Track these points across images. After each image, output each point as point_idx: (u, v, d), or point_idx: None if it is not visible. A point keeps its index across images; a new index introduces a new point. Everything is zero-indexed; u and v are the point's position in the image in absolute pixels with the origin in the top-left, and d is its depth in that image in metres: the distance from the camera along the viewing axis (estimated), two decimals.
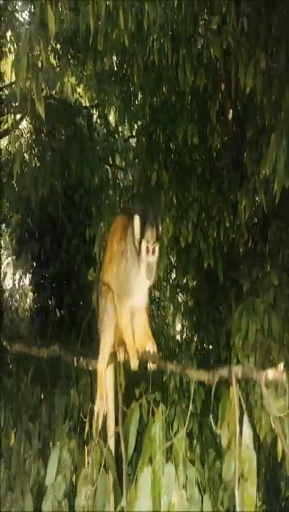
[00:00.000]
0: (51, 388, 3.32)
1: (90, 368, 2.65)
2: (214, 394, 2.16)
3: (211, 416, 2.14)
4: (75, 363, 2.72)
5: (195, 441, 4.28)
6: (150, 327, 2.53)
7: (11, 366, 3.81)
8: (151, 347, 2.45)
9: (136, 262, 2.32)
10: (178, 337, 6.34)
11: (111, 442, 2.44)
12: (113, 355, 2.50)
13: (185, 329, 5.95)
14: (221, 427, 2.15)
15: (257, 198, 4.58)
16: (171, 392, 4.34)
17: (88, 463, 2.30)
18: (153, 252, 2.30)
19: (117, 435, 2.42)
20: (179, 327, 7.34)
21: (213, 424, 2.13)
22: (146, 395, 2.46)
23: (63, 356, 2.86)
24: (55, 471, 2.49)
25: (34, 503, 2.76)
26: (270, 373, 2.05)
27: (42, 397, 3.39)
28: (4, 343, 3.33)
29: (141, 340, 2.46)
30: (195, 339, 5.35)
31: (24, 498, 2.76)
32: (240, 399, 2.07)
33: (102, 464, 2.27)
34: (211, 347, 5.15)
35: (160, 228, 2.34)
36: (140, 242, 2.28)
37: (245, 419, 2.01)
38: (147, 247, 2.28)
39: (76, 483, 2.37)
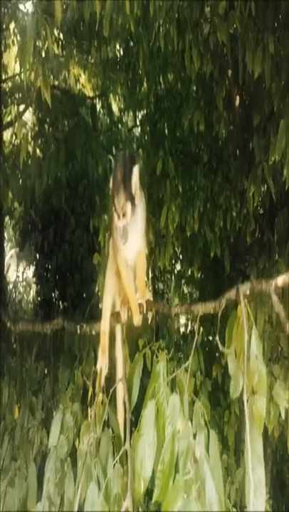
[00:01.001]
0: (54, 362, 3.33)
1: (94, 333, 2.65)
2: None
3: (217, 337, 2.07)
4: (79, 331, 2.73)
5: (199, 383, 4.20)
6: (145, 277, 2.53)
7: (15, 346, 3.77)
8: (148, 296, 2.46)
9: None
10: (182, 330, 6.21)
11: (119, 400, 2.39)
12: (116, 314, 2.49)
13: (189, 322, 5.81)
14: (228, 347, 2.07)
15: (263, 189, 4.46)
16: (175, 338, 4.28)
17: (91, 417, 2.26)
18: (124, 216, 2.24)
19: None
20: (183, 320, 7.22)
21: (220, 344, 2.06)
22: (150, 345, 2.40)
23: (67, 327, 2.85)
24: (58, 433, 2.45)
25: (37, 472, 2.70)
26: (280, 280, 2.02)
27: (46, 371, 3.43)
28: (8, 324, 3.29)
29: (141, 293, 2.46)
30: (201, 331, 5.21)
31: (27, 467, 2.70)
32: (248, 314, 1.99)
33: (105, 420, 2.22)
34: (217, 338, 5.01)
35: (133, 186, 2.27)
36: (112, 208, 2.28)
37: (254, 330, 1.93)
38: (117, 213, 2.24)
39: (79, 446, 2.31)
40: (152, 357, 2.26)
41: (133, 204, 2.26)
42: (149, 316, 2.46)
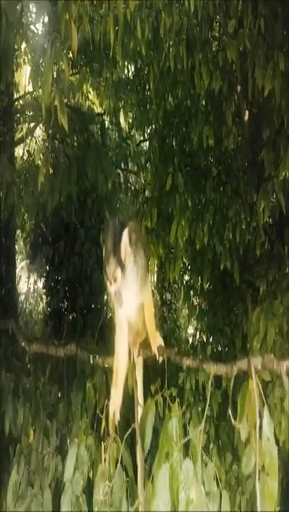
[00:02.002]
0: (68, 386, 3.25)
1: (106, 365, 2.67)
2: (232, 389, 2.07)
3: (229, 410, 2.03)
4: (91, 361, 2.75)
5: (212, 444, 4.07)
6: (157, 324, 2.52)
7: (29, 366, 3.68)
8: (160, 341, 2.47)
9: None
10: (190, 340, 6.10)
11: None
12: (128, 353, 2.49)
13: (198, 332, 5.71)
14: (240, 421, 2.01)
15: (273, 200, 4.38)
16: (187, 393, 4.15)
17: (105, 459, 2.24)
18: (115, 281, 2.25)
19: (133, 432, 2.34)
20: (191, 330, 7.14)
21: (232, 417, 2.02)
22: (162, 392, 2.35)
23: (79, 354, 2.88)
24: (73, 467, 2.44)
25: (53, 499, 2.72)
26: None
27: (59, 395, 3.36)
28: (23, 344, 3.29)
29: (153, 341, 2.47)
30: (210, 342, 5.12)
31: (43, 494, 2.72)
32: (260, 391, 1.94)
33: (119, 461, 2.19)
34: (226, 349, 4.90)
35: (122, 252, 2.23)
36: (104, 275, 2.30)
37: (266, 411, 1.89)
38: (108, 280, 2.26)
39: (93, 479, 2.31)
40: (164, 404, 2.24)
41: (123, 269, 2.23)
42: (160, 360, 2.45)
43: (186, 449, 2.04)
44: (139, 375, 2.56)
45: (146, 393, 2.47)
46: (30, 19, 5.75)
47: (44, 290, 8.51)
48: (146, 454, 2.27)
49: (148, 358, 2.59)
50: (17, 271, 8.61)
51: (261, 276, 4.53)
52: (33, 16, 6.33)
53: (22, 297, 9.27)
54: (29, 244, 8.35)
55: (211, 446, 4.04)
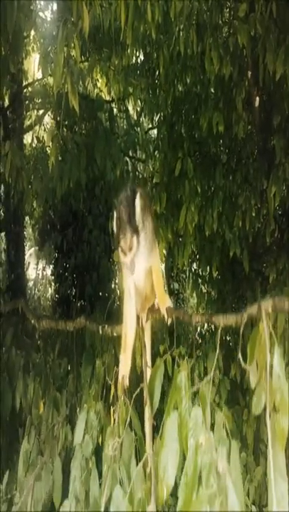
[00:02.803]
0: (77, 359, 3.27)
1: (115, 334, 2.64)
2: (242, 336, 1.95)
3: (239, 354, 1.91)
4: (100, 331, 2.71)
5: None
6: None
7: (39, 342, 3.73)
8: (169, 303, 2.42)
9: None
10: (198, 328, 6.04)
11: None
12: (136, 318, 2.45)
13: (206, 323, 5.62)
14: (250, 363, 1.93)
15: (284, 188, 4.28)
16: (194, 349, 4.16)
17: (114, 420, 2.21)
18: (130, 250, 2.23)
19: (142, 397, 2.29)
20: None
21: (242, 361, 1.91)
22: (170, 351, 2.30)
23: (89, 326, 2.84)
24: (82, 431, 2.41)
25: (62, 467, 2.71)
26: None
27: (69, 368, 3.42)
28: (33, 321, 3.26)
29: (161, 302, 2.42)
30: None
31: (53, 462, 2.69)
32: (270, 332, 1.84)
33: (128, 422, 2.15)
34: (235, 337, 4.82)
35: (136, 218, 2.22)
36: (117, 247, 2.26)
37: (276, 349, 1.79)
38: (123, 251, 2.23)
39: (102, 444, 2.30)
40: (173, 363, 2.18)
41: (138, 236, 2.23)
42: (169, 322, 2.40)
43: (196, 398, 1.97)
44: (148, 339, 2.52)
45: (155, 358, 2.38)
46: (39, 6, 5.66)
47: (52, 277, 8.47)
48: (155, 413, 2.24)
49: (156, 322, 2.56)
50: (26, 257, 8.58)
51: (271, 264, 4.43)
52: (42, 3, 6.25)
53: (31, 283, 9.24)
54: (38, 231, 8.30)
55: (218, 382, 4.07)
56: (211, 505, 1.65)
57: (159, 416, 2.19)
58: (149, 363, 2.41)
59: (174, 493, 1.86)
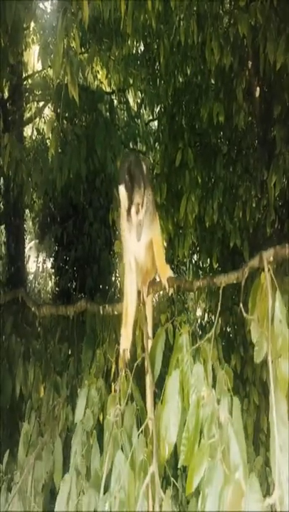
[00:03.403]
0: (78, 344, 3.31)
1: (116, 312, 2.65)
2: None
3: (240, 305, 1.98)
4: (101, 311, 2.73)
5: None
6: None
7: (39, 330, 3.78)
8: (170, 273, 2.43)
9: (127, 225, 2.33)
10: (199, 320, 6.06)
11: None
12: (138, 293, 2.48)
13: (206, 313, 5.64)
14: (251, 313, 1.99)
15: (284, 180, 4.28)
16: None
17: (115, 390, 2.24)
18: (141, 207, 2.27)
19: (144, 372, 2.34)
20: (199, 312, 7.07)
21: (243, 311, 1.98)
22: (171, 320, 2.34)
23: (89, 308, 2.86)
24: (83, 408, 2.44)
25: (63, 447, 2.74)
26: None
27: (69, 352, 3.46)
28: (33, 309, 3.27)
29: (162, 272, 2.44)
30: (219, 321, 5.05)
31: (54, 442, 2.73)
32: (272, 280, 1.91)
33: (129, 393, 2.18)
34: (235, 328, 4.83)
35: (144, 184, 2.26)
36: (129, 208, 2.27)
37: (278, 294, 1.85)
38: (136, 208, 2.27)
39: (103, 421, 2.29)
40: (174, 332, 2.21)
41: (145, 202, 2.28)
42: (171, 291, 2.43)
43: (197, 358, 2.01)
44: (149, 312, 2.54)
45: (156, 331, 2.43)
46: None
47: (53, 270, 8.48)
48: (156, 381, 2.28)
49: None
50: (26, 251, 8.60)
51: None
52: None
53: (31, 277, 9.25)
54: (38, 224, 8.30)
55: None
56: (212, 455, 1.68)
57: (161, 385, 2.18)
58: (151, 336, 2.43)
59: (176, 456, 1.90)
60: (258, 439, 4.15)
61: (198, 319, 5.76)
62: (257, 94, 4.64)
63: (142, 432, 2.04)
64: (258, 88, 4.64)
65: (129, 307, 2.42)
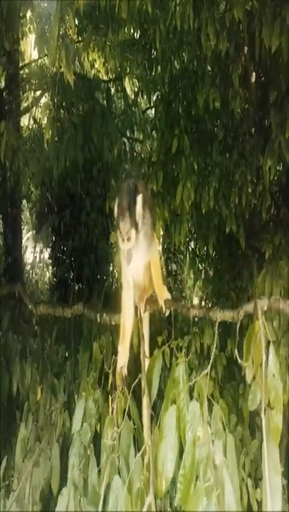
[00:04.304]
0: (75, 346, 3.33)
1: (113, 323, 2.69)
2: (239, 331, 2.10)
3: (236, 350, 2.06)
4: (98, 319, 2.75)
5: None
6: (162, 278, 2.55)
7: (36, 328, 3.78)
8: (167, 295, 2.49)
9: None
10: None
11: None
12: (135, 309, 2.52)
13: (204, 299, 5.69)
14: (246, 360, 2.06)
15: (279, 167, 4.31)
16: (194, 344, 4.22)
17: (113, 409, 2.27)
18: (128, 240, 2.30)
19: (141, 387, 2.36)
20: (196, 301, 7.11)
21: (238, 357, 2.06)
22: (168, 343, 2.37)
23: (86, 314, 2.89)
24: (80, 419, 2.47)
25: (60, 453, 2.79)
26: None
27: (66, 354, 3.46)
28: (30, 306, 3.31)
29: (160, 294, 2.49)
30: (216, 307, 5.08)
31: (51, 448, 2.77)
32: (266, 331, 1.97)
33: (126, 411, 2.21)
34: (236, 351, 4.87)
35: (136, 214, 2.29)
36: (117, 232, 2.33)
37: (272, 348, 1.91)
38: (122, 237, 2.30)
39: (101, 432, 2.35)
40: (171, 355, 2.27)
41: (137, 230, 2.30)
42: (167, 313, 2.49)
43: (193, 391, 2.07)
44: (146, 329, 2.58)
45: (153, 349, 2.47)
46: None
47: (50, 260, 8.49)
48: (153, 403, 2.29)
49: (154, 313, 2.63)
50: (23, 241, 8.61)
51: (267, 241, 4.47)
52: None
53: (28, 267, 9.26)
54: (35, 214, 8.30)
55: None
56: (208, 498, 1.74)
57: (157, 405, 2.27)
58: (148, 354, 2.48)
59: (174, 482, 1.96)
60: (253, 423, 4.20)
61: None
62: (253, 79, 4.67)
63: (139, 456, 2.07)
64: (253, 74, 4.67)
65: (126, 323, 2.46)
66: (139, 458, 2.06)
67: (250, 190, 4.53)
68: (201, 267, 5.43)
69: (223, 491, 1.76)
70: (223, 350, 4.35)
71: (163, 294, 2.46)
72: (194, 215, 4.88)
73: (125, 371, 2.40)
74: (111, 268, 7.63)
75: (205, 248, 5.20)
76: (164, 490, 1.96)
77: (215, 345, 2.26)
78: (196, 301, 6.94)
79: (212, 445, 1.86)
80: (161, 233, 5.04)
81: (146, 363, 2.40)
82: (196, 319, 5.07)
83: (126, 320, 2.46)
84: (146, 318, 2.60)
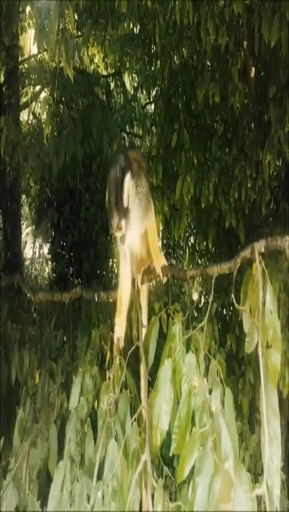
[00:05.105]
0: (73, 331, 3.31)
1: (111, 300, 2.64)
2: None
3: (232, 295, 1.98)
4: (96, 298, 2.73)
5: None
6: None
7: (34, 316, 3.75)
8: (164, 262, 2.46)
9: None
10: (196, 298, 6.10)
11: None
12: (132, 281, 2.50)
13: (202, 297, 5.70)
14: (243, 304, 1.99)
15: (278, 163, 4.32)
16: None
17: (109, 378, 2.26)
18: (119, 229, 2.27)
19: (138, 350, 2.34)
20: (195, 297, 7.11)
21: (235, 302, 1.99)
22: (165, 308, 2.31)
23: (85, 295, 2.84)
24: (78, 395, 2.46)
25: (58, 434, 2.74)
26: None
27: (64, 339, 3.44)
28: (28, 294, 3.24)
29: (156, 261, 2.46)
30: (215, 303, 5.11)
31: (49, 429, 2.75)
32: (263, 271, 1.89)
33: (123, 381, 2.21)
34: (231, 308, 4.89)
35: (125, 200, 2.26)
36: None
37: (269, 286, 1.85)
38: (113, 229, 2.29)
39: (98, 409, 2.31)
40: (168, 320, 2.22)
41: (127, 217, 2.27)
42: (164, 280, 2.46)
43: (190, 344, 2.04)
44: (144, 300, 2.56)
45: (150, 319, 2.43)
46: None
47: (49, 255, 8.50)
48: (150, 370, 2.28)
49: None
50: (23, 236, 8.61)
51: (266, 235, 4.47)
52: None
53: (27, 262, 9.27)
54: (34, 210, 8.31)
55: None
56: (203, 444, 1.70)
57: (154, 373, 2.18)
58: (145, 324, 2.45)
59: (169, 443, 1.89)
60: (253, 418, 4.21)
61: (195, 302, 5.81)
62: (252, 74, 4.67)
63: (135, 420, 2.07)
64: (253, 68, 4.67)
65: (123, 295, 2.45)
66: (135, 422, 2.07)
67: (249, 185, 4.53)
68: (200, 262, 5.44)
69: (219, 436, 1.72)
70: (222, 345, 4.36)
71: (160, 261, 2.44)
72: (194, 210, 4.89)
73: (122, 342, 2.40)
74: (110, 263, 7.65)
75: (204, 243, 5.21)
76: (159, 443, 1.94)
77: (212, 298, 2.18)
78: (195, 296, 6.93)
79: (208, 394, 1.83)
80: (161, 228, 5.05)
81: (143, 333, 2.38)
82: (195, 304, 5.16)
83: (123, 292, 2.45)
84: (143, 289, 2.58)
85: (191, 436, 1.77)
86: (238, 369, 4.40)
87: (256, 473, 4.00)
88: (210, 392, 1.84)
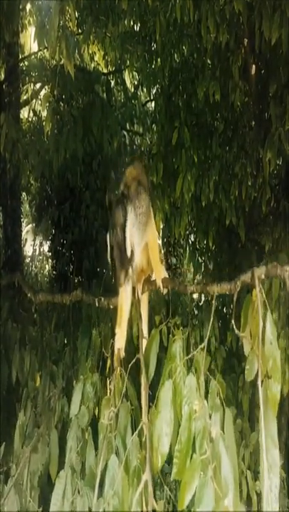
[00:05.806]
0: (74, 332, 3.35)
1: (111, 306, 2.65)
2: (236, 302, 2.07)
3: (233, 321, 2.02)
4: (97, 303, 2.74)
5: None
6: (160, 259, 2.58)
7: (35, 316, 3.82)
8: (165, 274, 2.50)
9: None
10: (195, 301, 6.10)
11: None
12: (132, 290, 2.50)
13: (202, 295, 5.70)
14: (243, 330, 2.03)
15: (279, 161, 4.31)
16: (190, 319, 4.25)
17: (110, 390, 2.28)
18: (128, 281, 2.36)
19: (138, 368, 2.35)
20: (196, 295, 7.10)
21: (235, 328, 2.02)
22: (166, 322, 2.35)
23: (85, 299, 2.87)
24: (78, 402, 2.48)
25: (59, 439, 2.77)
26: None
27: (65, 341, 3.49)
28: (29, 295, 3.28)
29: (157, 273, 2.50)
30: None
31: (50, 434, 2.77)
32: (263, 299, 1.94)
33: (124, 392, 2.22)
34: (231, 307, 4.89)
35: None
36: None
37: (269, 316, 1.89)
38: (121, 284, 2.37)
39: (99, 416, 2.35)
40: (168, 333, 2.26)
41: (132, 260, 2.33)
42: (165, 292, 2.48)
43: (191, 365, 2.06)
44: (144, 310, 2.58)
45: (151, 330, 2.44)
46: None
47: (49, 253, 8.50)
48: (150, 383, 2.29)
49: (152, 296, 2.68)
50: (23, 234, 8.61)
51: (267, 233, 4.49)
52: None
53: (28, 260, 9.27)
54: (35, 207, 8.31)
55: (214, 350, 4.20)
56: (204, 471, 1.72)
57: (155, 386, 2.23)
58: (146, 334, 2.47)
59: (169, 461, 1.93)
60: (253, 415, 4.23)
61: (195, 301, 5.82)
62: (253, 72, 4.67)
63: (136, 434, 2.08)
64: (253, 66, 4.67)
65: (123, 305, 2.45)
66: (135, 437, 2.07)
67: (250, 183, 4.54)
68: (200, 260, 5.44)
69: (219, 464, 1.74)
70: (222, 343, 4.37)
71: (161, 273, 2.47)
72: (194, 208, 4.89)
73: (123, 353, 2.40)
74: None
75: (205, 241, 5.21)
76: (160, 465, 1.95)
77: (212, 319, 2.21)
78: (195, 295, 6.92)
79: (209, 418, 1.85)
80: (161, 226, 5.05)
81: (144, 343, 2.39)
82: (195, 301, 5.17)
83: (123, 302, 2.45)
84: (144, 299, 2.59)
85: (191, 463, 1.79)
86: (238, 366, 4.42)
87: (256, 471, 4.03)
88: (210, 417, 1.86)
